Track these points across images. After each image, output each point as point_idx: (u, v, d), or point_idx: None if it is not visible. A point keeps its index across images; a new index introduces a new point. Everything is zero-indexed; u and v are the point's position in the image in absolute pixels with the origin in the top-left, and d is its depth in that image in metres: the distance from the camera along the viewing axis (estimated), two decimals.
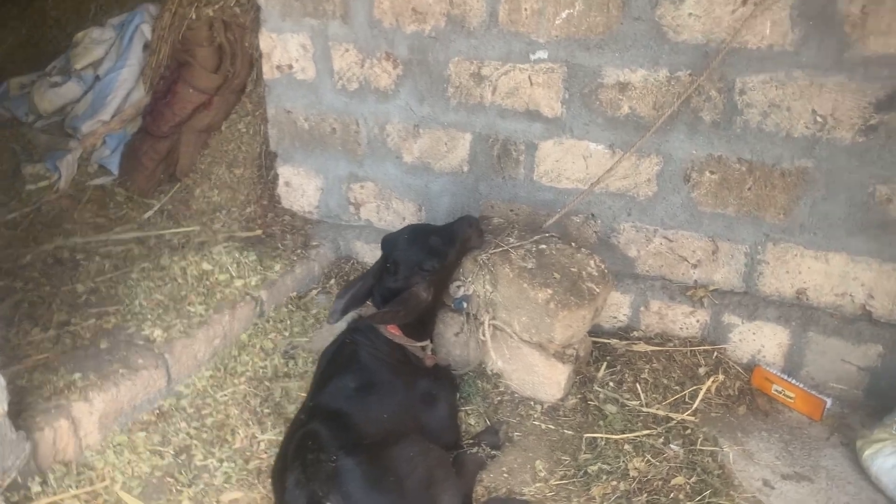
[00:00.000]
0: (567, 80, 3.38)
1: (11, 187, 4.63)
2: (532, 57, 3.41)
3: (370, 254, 4.09)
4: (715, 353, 3.37)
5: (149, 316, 3.37)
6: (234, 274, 3.66)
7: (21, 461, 2.56)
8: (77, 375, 2.96)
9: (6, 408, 2.50)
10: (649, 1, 3.11)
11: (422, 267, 2.84)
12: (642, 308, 3.52)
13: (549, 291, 2.98)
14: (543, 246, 3.17)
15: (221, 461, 2.84)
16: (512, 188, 3.70)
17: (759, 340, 3.31)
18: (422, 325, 2.99)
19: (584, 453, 2.89)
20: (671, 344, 3.44)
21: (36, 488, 2.60)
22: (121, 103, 4.83)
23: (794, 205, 3.14)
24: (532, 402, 3.17)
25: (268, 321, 3.62)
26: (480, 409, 3.07)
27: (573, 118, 3.43)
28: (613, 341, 3.51)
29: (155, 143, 4.46)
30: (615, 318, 3.59)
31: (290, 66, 3.98)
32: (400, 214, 4.03)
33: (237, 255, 3.74)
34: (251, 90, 4.41)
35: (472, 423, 3.04)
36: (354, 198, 4.13)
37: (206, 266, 3.66)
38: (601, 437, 2.92)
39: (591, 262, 3.17)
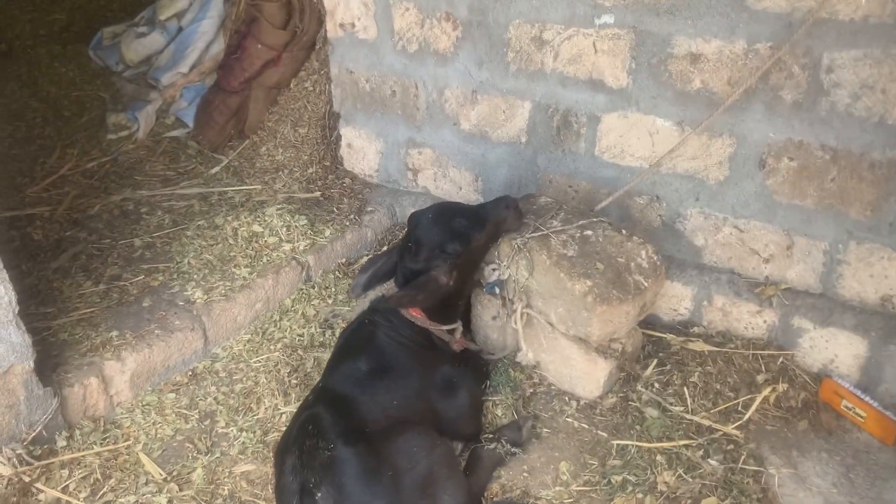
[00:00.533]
0: (634, 49, 3.07)
1: (95, 136, 4.79)
2: (597, 21, 3.11)
3: None
4: (781, 359, 3.04)
5: (194, 276, 3.40)
6: (283, 237, 3.63)
7: (48, 416, 2.65)
8: (114, 333, 3.03)
9: (32, 365, 2.58)
10: None
11: (443, 249, 2.68)
12: (705, 302, 3.22)
13: (589, 283, 2.75)
14: (589, 232, 2.92)
15: (242, 430, 2.84)
16: (572, 162, 3.44)
17: (832, 349, 2.96)
18: (450, 308, 2.84)
19: (614, 459, 2.69)
20: (732, 345, 3.13)
21: (62, 443, 2.70)
22: (200, 55, 4.86)
23: (883, 201, 2.73)
24: (567, 398, 2.98)
25: (313, 287, 3.58)
26: (509, 401, 2.91)
27: (640, 90, 3.12)
28: (669, 336, 3.24)
29: (226, 99, 4.46)
30: (675, 310, 3.31)
31: (353, 25, 3.84)
32: (457, 183, 3.86)
33: (288, 218, 3.70)
34: (320, 47, 4.31)
35: (500, 415, 2.90)
36: (412, 164, 3.99)
37: (256, 228, 3.65)
38: (632, 444, 2.70)
39: (643, 253, 2.90)
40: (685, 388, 2.93)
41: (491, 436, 2.71)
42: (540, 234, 2.86)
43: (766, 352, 3.06)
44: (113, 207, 4.02)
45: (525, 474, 2.68)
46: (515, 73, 3.41)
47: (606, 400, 2.94)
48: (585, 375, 2.92)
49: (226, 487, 2.60)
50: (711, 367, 3.03)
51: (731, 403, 2.89)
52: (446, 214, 2.75)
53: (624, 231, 2.95)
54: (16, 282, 3.24)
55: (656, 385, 2.97)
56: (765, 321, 3.10)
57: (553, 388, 3.04)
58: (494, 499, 2.54)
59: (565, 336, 2.89)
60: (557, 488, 2.60)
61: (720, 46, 2.87)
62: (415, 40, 3.66)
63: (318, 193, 4.07)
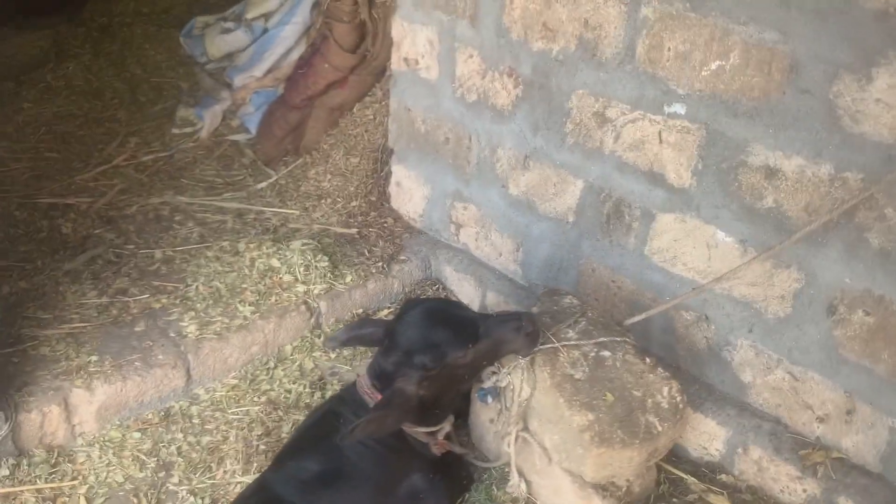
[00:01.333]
0: (703, 147, 2.63)
1: (161, 127, 4.74)
2: (667, 109, 2.69)
3: (457, 283, 3.64)
4: None
5: (197, 305, 3.24)
6: (299, 277, 3.41)
7: None
8: (94, 357, 2.90)
9: None
10: (825, 72, 2.26)
11: (411, 359, 2.34)
12: (740, 450, 2.76)
13: (591, 417, 2.37)
14: (607, 353, 2.53)
15: (193, 493, 2.65)
16: (618, 256, 3.03)
17: None
18: (430, 413, 2.51)
19: None
20: None
21: (4, 472, 2.58)
22: (277, 61, 4.72)
23: None
24: None
25: (319, 336, 3.35)
26: None
27: (703, 195, 2.69)
28: (690, 479, 2.79)
29: (287, 113, 4.29)
30: (705, 449, 2.86)
31: (417, 62, 3.56)
32: (497, 248, 3.52)
33: (310, 256, 3.48)
34: (389, 76, 4.06)
35: None
36: (456, 217, 3.67)
37: (274, 262, 3.44)
38: None
39: (665, 390, 2.48)
40: None
41: None
42: (549, 346, 2.49)
43: None
44: (149, 210, 3.93)
45: None
46: (572, 146, 3.03)
47: None
48: None
49: None
50: None
51: None
52: (434, 318, 2.38)
53: (648, 360, 2.54)
54: (25, 279, 3.19)
55: None
56: (805, 490, 2.61)
57: None
58: None
59: (559, 465, 2.52)
60: None
61: (802, 166, 2.40)
62: (474, 90, 3.34)
63: (354, 230, 3.83)
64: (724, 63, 2.49)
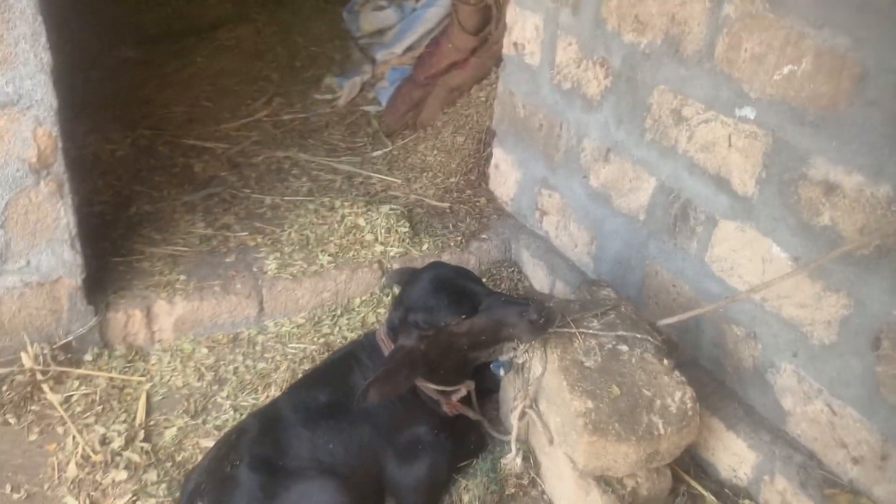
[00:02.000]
0: (768, 155, 2.52)
1: (306, 92, 5.17)
2: (738, 112, 2.59)
3: (531, 269, 3.69)
4: None
5: (284, 248, 3.55)
6: (379, 238, 3.62)
7: (83, 330, 2.96)
8: (182, 277, 3.28)
9: (79, 282, 2.89)
10: (894, 84, 2.10)
11: (408, 316, 2.43)
12: (766, 478, 2.61)
13: (590, 404, 2.36)
14: (624, 347, 2.50)
15: (234, 409, 2.93)
16: (681, 261, 2.96)
17: None
18: (440, 370, 2.58)
19: None
20: None
21: (88, 357, 3.00)
22: (417, 40, 4.98)
23: None
24: None
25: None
26: (479, 492, 2.63)
27: (763, 205, 2.57)
28: (710, 498, 2.69)
29: (412, 89, 4.53)
30: (734, 472, 2.73)
31: (523, 47, 3.64)
32: (574, 240, 3.53)
33: (393, 221, 3.68)
34: None
35: (465, 502, 2.64)
36: (542, 204, 3.72)
37: (360, 221, 3.68)
38: None
39: (678, 395, 2.42)
40: None
41: None
42: (565, 330, 2.51)
43: None
44: (273, 162, 4.32)
45: None
46: (649, 142, 2.99)
47: None
48: (574, 501, 2.54)
49: (183, 454, 2.71)
50: None
51: None
52: (439, 283, 2.44)
53: (666, 362, 2.48)
54: (150, 203, 3.65)
55: None
56: None
57: (545, 496, 2.70)
58: None
59: (561, 449, 2.53)
60: None
61: (861, 184, 2.23)
62: (569, 78, 3.37)
63: (447, 205, 3.98)
64: (795, 68, 2.37)
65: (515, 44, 3.71)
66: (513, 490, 2.69)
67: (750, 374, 2.74)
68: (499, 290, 2.53)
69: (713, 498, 2.69)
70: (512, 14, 3.69)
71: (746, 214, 2.64)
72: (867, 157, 2.21)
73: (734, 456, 2.72)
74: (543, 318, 2.36)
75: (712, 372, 2.91)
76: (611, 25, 3.08)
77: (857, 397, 2.37)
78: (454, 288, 2.42)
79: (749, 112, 2.55)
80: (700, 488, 2.73)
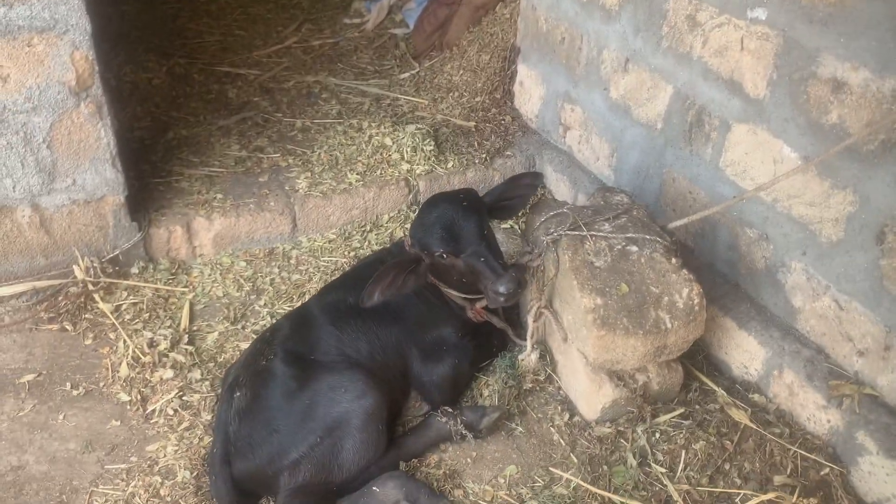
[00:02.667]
0: (779, 56, 2.53)
1: (335, 17, 5.23)
2: (749, 14, 2.60)
3: (554, 183, 3.78)
4: (825, 471, 2.49)
5: (315, 168, 3.69)
6: (405, 157, 3.74)
7: (129, 244, 3.17)
8: (219, 195, 3.45)
9: (122, 199, 3.09)
10: None
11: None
12: (776, 372, 2.72)
13: (599, 301, 2.48)
14: (634, 248, 2.59)
15: (271, 315, 3.13)
16: (696, 167, 3.01)
17: (892, 488, 2.35)
18: (444, 284, 2.71)
19: (559, 486, 2.51)
20: (778, 430, 2.63)
21: (135, 270, 3.22)
22: None
23: None
24: (565, 408, 2.78)
25: (414, 211, 3.67)
26: (497, 388, 2.79)
27: (775, 106, 2.59)
28: (720, 392, 2.81)
29: (437, 9, 4.55)
30: (745, 369, 2.84)
31: None
32: (595, 152, 3.59)
33: (419, 139, 3.78)
34: None
35: (484, 396, 2.81)
36: (565, 119, 3.77)
37: (387, 141, 3.79)
38: (575, 482, 2.48)
39: (685, 291, 2.52)
40: (683, 451, 2.56)
41: (451, 411, 2.65)
42: (577, 232, 2.61)
43: (813, 456, 2.53)
44: (303, 86, 4.44)
45: (469, 460, 2.62)
46: (665, 50, 3.01)
47: (600, 427, 2.69)
48: (587, 394, 2.69)
49: (224, 356, 2.93)
50: (734, 444, 2.59)
51: (727, 490, 2.47)
52: (440, 216, 2.56)
53: (674, 260, 2.57)
54: (187, 128, 3.82)
55: (658, 436, 2.63)
56: (829, 421, 2.54)
57: (561, 392, 2.85)
58: (410, 470, 2.53)
59: (574, 345, 2.67)
60: (485, 486, 2.52)
61: (867, 79, 2.25)
62: None
63: (472, 124, 4.06)
64: None
65: None
66: (530, 385, 2.85)
67: (762, 274, 2.82)
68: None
69: (724, 392, 2.81)
70: None
71: (758, 116, 2.67)
72: (873, 52, 2.22)
73: (745, 353, 2.82)
74: (504, 297, 2.47)
75: (727, 275, 2.99)
76: None
77: (862, 291, 2.44)
78: (450, 225, 2.54)
79: (760, 13, 2.56)
80: (712, 384, 2.84)
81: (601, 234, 2.62)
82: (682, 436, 2.62)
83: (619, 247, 2.60)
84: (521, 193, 2.78)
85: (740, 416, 2.69)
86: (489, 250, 2.52)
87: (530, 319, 2.75)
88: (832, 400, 2.51)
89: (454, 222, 2.53)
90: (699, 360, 2.95)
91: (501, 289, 2.46)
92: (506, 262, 2.65)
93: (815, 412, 2.58)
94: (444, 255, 2.54)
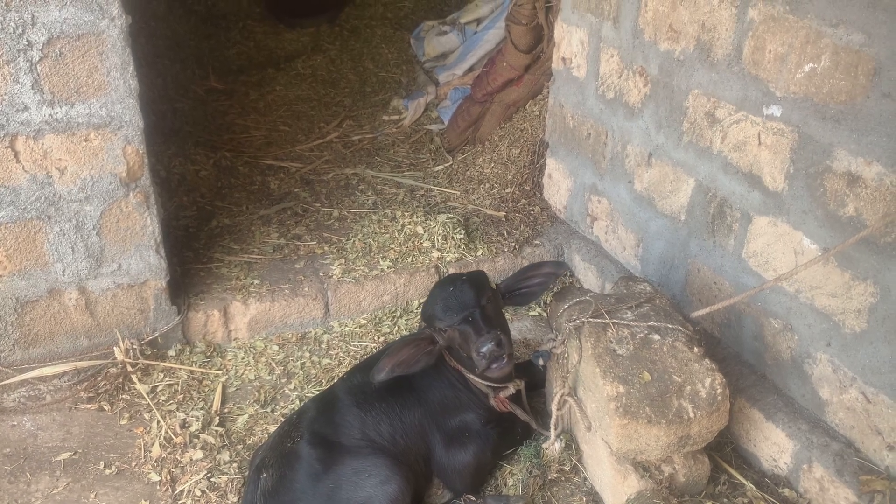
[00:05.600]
0: (795, 151, 2.61)
1: (374, 114, 5.49)
2: (765, 111, 2.70)
3: (583, 272, 3.84)
4: None
5: (349, 255, 3.82)
6: (436, 245, 3.85)
7: (168, 327, 3.30)
8: (256, 281, 3.59)
9: (164, 284, 3.24)
10: None
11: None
12: (805, 466, 2.67)
13: (621, 389, 2.50)
14: (656, 336, 2.62)
15: (300, 399, 3.19)
16: (720, 258, 3.06)
17: None
18: (458, 360, 2.76)
19: None
20: None
21: (172, 353, 3.33)
22: (477, 62, 5.24)
23: None
24: (590, 499, 2.76)
25: None
26: (521, 478, 2.79)
27: (793, 199, 2.66)
28: (749, 486, 2.76)
29: (470, 107, 4.76)
30: (775, 462, 2.80)
31: (571, 61, 3.83)
32: (622, 243, 3.66)
33: (450, 228, 3.90)
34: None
35: (508, 485, 2.81)
36: (592, 210, 3.87)
37: (419, 230, 3.92)
38: None
39: (707, 381, 2.52)
40: None
41: (474, 499, 2.65)
42: (599, 320, 2.66)
43: None
44: (342, 178, 4.64)
45: None
46: (686, 145, 3.12)
47: None
48: (612, 485, 2.67)
49: (253, 438, 2.99)
50: None
51: None
52: (443, 296, 2.66)
53: (697, 350, 2.58)
54: (230, 217, 4.01)
55: None
56: None
57: (586, 483, 2.83)
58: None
59: (598, 434, 2.67)
60: None
61: (881, 173, 2.31)
62: (612, 88, 3.53)
63: (502, 214, 4.18)
64: (815, 66, 2.47)
65: (563, 58, 3.90)
66: (555, 475, 2.84)
67: (788, 365, 2.81)
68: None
69: (753, 486, 2.76)
70: (560, 30, 3.89)
71: (778, 209, 2.73)
72: (885, 147, 2.29)
73: (774, 446, 2.78)
74: (485, 356, 2.53)
75: (753, 365, 2.98)
76: (648, 35, 3.23)
77: (889, 383, 2.42)
78: (449, 304, 2.63)
79: (776, 110, 2.66)
80: (740, 477, 2.80)
81: (623, 321, 2.66)
82: None
83: (642, 335, 2.63)
84: (540, 280, 2.85)
85: None
86: (482, 318, 2.58)
87: (554, 407, 2.76)
88: (864, 496, 2.45)
89: (453, 297, 2.63)
90: (727, 452, 2.91)
91: (483, 349, 2.51)
92: (508, 334, 2.69)
93: None
94: (444, 329, 2.62)
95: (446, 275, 2.85)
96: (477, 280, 2.70)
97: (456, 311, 2.59)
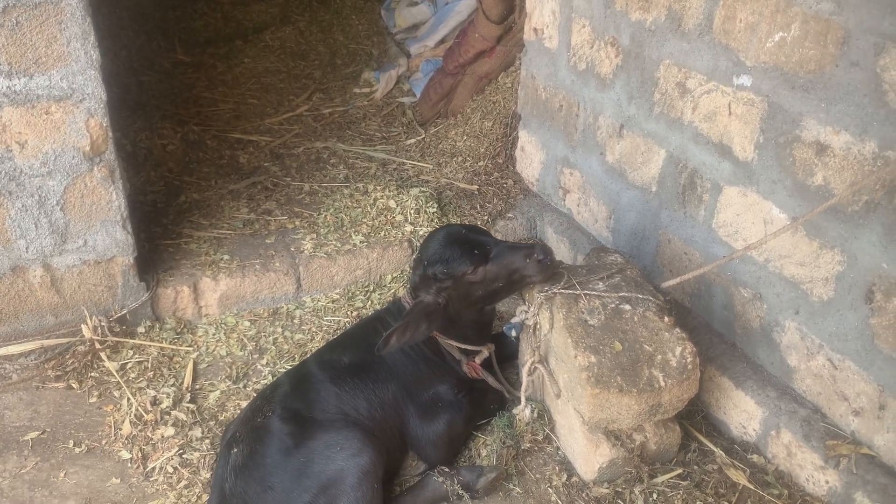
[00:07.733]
0: (765, 121, 2.62)
1: (345, 87, 5.41)
2: (735, 81, 2.70)
3: (555, 244, 3.84)
4: None
5: (320, 230, 3.78)
6: (409, 218, 3.83)
7: (137, 304, 3.24)
8: (226, 257, 3.54)
9: (131, 260, 3.18)
10: (874, 45, 2.19)
11: (428, 270, 2.62)
12: (773, 433, 2.71)
13: (593, 359, 2.51)
14: (627, 307, 2.64)
15: (272, 374, 3.17)
16: (690, 228, 3.07)
17: None
18: (460, 322, 2.77)
19: None
20: (777, 492, 2.61)
21: (141, 329, 3.29)
22: (448, 33, 5.18)
23: None
24: (563, 468, 2.78)
25: None
26: (495, 448, 2.80)
27: (762, 169, 2.67)
28: (719, 452, 2.80)
29: (442, 79, 4.72)
30: (744, 429, 2.84)
31: (542, 31, 3.80)
32: (594, 215, 3.67)
33: (422, 202, 3.88)
34: None
35: (482, 455, 2.82)
36: (564, 182, 3.86)
37: (391, 203, 3.89)
38: None
39: (678, 350, 2.54)
40: None
41: (447, 470, 2.66)
42: (571, 291, 2.66)
43: None
44: (312, 152, 4.58)
45: None
46: (657, 115, 3.11)
47: (597, 488, 2.69)
48: (585, 454, 2.69)
49: (225, 415, 2.96)
50: None
51: None
52: (450, 238, 2.61)
53: (667, 319, 2.60)
54: (199, 192, 3.94)
55: (655, 496, 2.62)
56: (827, 482, 2.52)
57: (559, 452, 2.85)
58: None
59: (570, 404, 2.69)
60: None
61: (848, 142, 2.33)
62: (584, 59, 3.51)
63: (475, 187, 4.16)
64: (785, 35, 2.47)
65: (535, 29, 3.86)
66: (528, 445, 2.85)
67: (757, 333, 2.84)
68: (505, 241, 2.70)
69: (723, 453, 2.80)
70: (530, 1, 3.85)
71: (747, 179, 2.74)
72: (853, 116, 2.30)
73: (743, 413, 2.82)
74: (549, 259, 2.56)
75: (723, 334, 3.01)
76: (619, 5, 3.21)
77: (854, 350, 2.46)
78: (465, 240, 2.61)
79: (746, 80, 2.66)
80: (710, 444, 2.84)
81: (595, 292, 2.67)
82: (679, 496, 2.61)
83: (613, 305, 2.64)
84: None
85: (738, 476, 2.68)
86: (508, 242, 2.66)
87: (524, 374, 2.78)
88: (830, 460, 2.50)
89: (467, 236, 2.63)
90: (698, 420, 2.95)
91: (542, 255, 2.55)
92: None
93: (814, 473, 2.57)
94: (474, 270, 2.57)
95: (434, 230, 2.79)
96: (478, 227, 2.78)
97: (482, 248, 2.58)
